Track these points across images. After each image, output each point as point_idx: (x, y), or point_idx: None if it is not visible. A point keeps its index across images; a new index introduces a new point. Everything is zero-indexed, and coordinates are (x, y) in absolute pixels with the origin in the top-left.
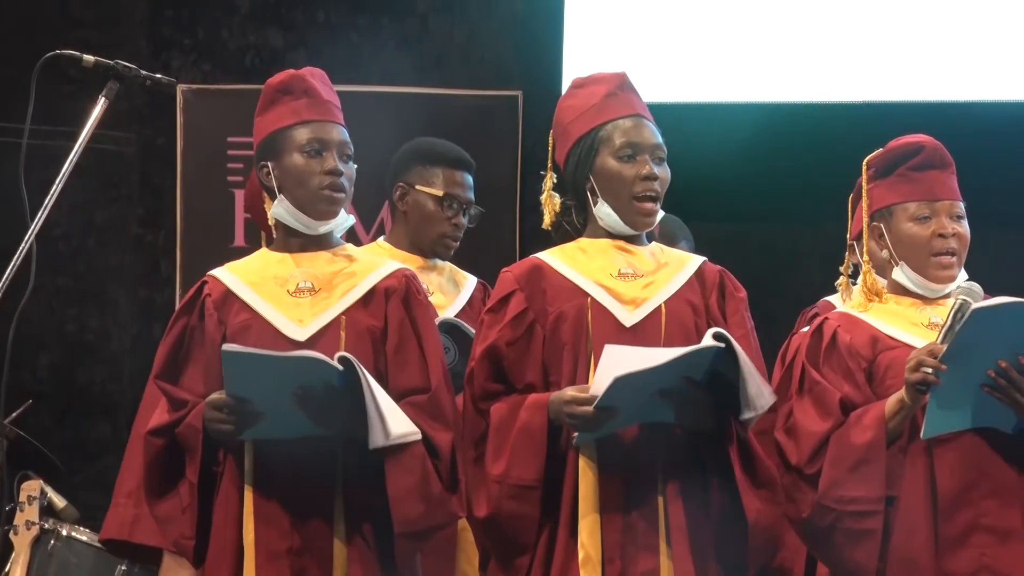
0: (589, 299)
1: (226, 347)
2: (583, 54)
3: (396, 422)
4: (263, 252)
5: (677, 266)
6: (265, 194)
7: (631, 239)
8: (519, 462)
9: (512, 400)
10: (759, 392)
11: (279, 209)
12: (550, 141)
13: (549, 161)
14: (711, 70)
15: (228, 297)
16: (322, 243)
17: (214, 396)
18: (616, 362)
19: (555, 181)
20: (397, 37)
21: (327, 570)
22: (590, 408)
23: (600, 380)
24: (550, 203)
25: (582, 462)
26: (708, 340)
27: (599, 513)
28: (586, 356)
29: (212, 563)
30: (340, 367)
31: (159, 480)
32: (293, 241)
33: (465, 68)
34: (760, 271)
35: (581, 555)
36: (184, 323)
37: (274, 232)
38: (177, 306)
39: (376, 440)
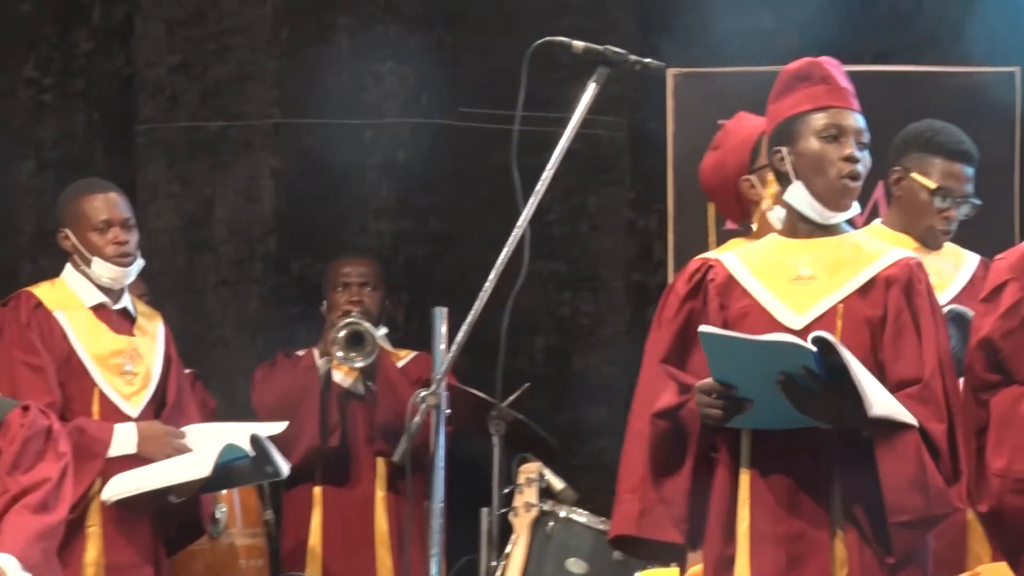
0: None
1: (702, 329)
2: None
3: (880, 402)
4: (773, 237)
5: None
6: (758, 179)
7: None
8: (1021, 455)
9: (1013, 391)
10: None
11: (794, 195)
12: None
13: None
14: None
15: (731, 283)
16: (830, 229)
17: (704, 381)
18: None
19: None
20: (891, 15)
21: (824, 558)
22: None
23: None
24: None
25: None
26: None
27: None
28: None
29: (707, 545)
30: (814, 349)
31: (664, 463)
32: (802, 227)
33: (959, 45)
34: None
35: None
36: (690, 307)
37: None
38: (670, 288)
39: (870, 410)
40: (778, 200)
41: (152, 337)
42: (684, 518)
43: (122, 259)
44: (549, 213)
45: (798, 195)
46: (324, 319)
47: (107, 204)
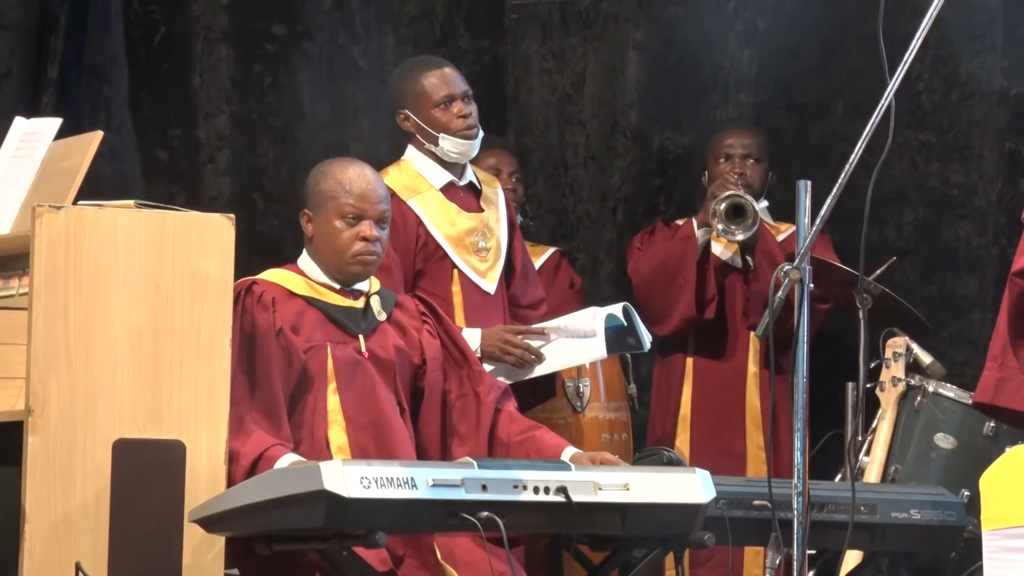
0: None
1: None
2: None
3: None
4: None
5: None
6: None
7: None
8: None
9: None
10: None
11: None
12: None
13: None
14: None
15: None
16: None
17: None
18: None
19: None
20: None
21: None
22: None
23: None
24: None
25: None
26: None
27: None
28: None
29: None
30: None
31: (1020, 324)
32: None
33: None
34: None
35: None
36: None
37: None
38: None
39: None
40: None
41: (496, 206)
42: None
43: (468, 131)
44: (918, 82)
45: None
46: (705, 190)
47: (446, 79)
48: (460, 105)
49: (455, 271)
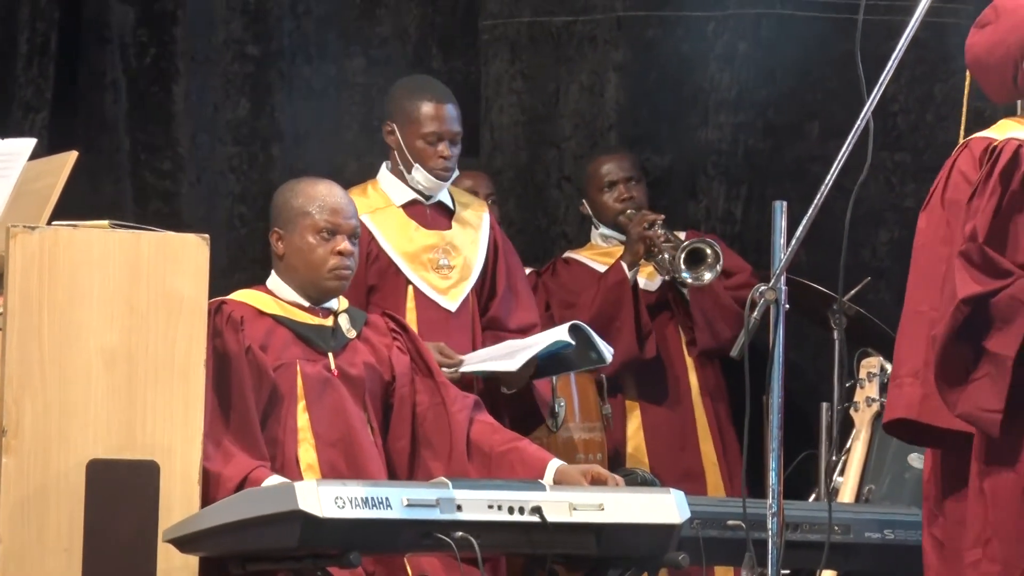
0: None
1: None
2: None
3: None
4: None
5: None
6: None
7: None
8: None
9: None
10: None
11: None
12: None
13: None
14: None
15: None
16: None
17: None
18: None
19: None
20: None
21: None
22: None
23: None
24: None
25: None
26: None
27: None
28: None
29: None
30: None
31: (955, 351)
32: None
33: None
34: None
35: None
36: (1006, 190)
37: None
38: (951, 168)
39: None
40: None
41: (474, 228)
42: (995, 408)
43: (443, 172)
44: (894, 103)
45: None
46: (585, 219)
47: (442, 117)
48: (445, 147)
49: (410, 287)
